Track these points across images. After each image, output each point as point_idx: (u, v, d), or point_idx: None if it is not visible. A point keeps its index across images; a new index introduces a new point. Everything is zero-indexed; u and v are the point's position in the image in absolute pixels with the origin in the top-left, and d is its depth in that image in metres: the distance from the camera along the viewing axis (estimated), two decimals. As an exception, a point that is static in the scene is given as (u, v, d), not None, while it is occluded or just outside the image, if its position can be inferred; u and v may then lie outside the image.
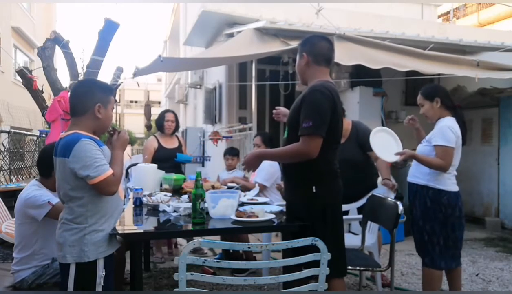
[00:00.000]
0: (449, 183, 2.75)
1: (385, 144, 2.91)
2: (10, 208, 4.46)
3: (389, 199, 2.83)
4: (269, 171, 3.93)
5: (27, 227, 2.52)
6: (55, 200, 2.42)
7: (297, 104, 2.18)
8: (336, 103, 2.12)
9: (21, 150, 8.49)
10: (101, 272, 1.99)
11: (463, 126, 2.81)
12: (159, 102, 30.35)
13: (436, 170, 2.72)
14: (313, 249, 1.76)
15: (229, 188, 3.40)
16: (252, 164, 2.31)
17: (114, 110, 2.28)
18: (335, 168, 2.21)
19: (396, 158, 2.82)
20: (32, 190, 2.56)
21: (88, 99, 2.05)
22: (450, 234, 2.76)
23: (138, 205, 2.78)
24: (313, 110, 2.06)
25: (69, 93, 2.18)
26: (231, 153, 4.47)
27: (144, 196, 2.87)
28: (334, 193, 2.19)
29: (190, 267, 1.67)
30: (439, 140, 2.71)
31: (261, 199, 3.01)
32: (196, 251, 4.36)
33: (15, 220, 2.64)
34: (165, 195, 3.07)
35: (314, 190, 2.13)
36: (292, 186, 2.28)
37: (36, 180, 2.68)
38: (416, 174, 2.86)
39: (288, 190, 2.35)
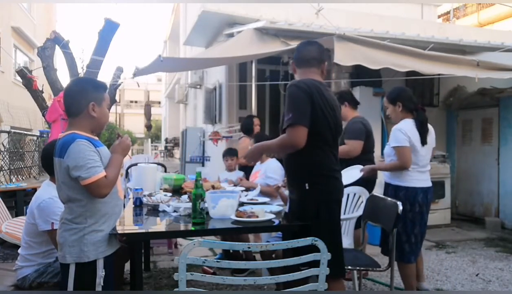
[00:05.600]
0: (408, 179, 2.98)
1: (350, 175, 3.35)
2: (10, 208, 4.46)
3: (389, 199, 2.83)
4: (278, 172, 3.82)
5: (36, 228, 2.50)
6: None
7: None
8: (313, 96, 2.12)
9: (21, 150, 8.50)
10: (100, 272, 1.99)
11: (422, 126, 3.01)
12: (159, 102, 30.33)
13: (397, 170, 3.01)
14: (313, 249, 1.76)
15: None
16: (254, 157, 2.41)
17: (113, 110, 2.28)
18: (330, 167, 2.20)
19: (360, 175, 3.31)
20: (50, 195, 2.49)
21: (81, 99, 2.04)
22: (410, 230, 2.95)
23: (138, 205, 2.78)
24: (291, 104, 2.13)
25: (63, 94, 2.16)
26: (230, 153, 4.50)
27: (144, 196, 2.87)
28: (327, 192, 2.19)
29: (190, 267, 1.67)
30: (392, 142, 3.01)
31: (261, 199, 3.01)
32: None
33: (26, 217, 2.62)
34: (165, 195, 3.06)
35: (306, 187, 2.18)
36: (290, 183, 2.36)
37: (49, 179, 2.64)
38: (385, 173, 3.23)
39: (288, 188, 2.42)
